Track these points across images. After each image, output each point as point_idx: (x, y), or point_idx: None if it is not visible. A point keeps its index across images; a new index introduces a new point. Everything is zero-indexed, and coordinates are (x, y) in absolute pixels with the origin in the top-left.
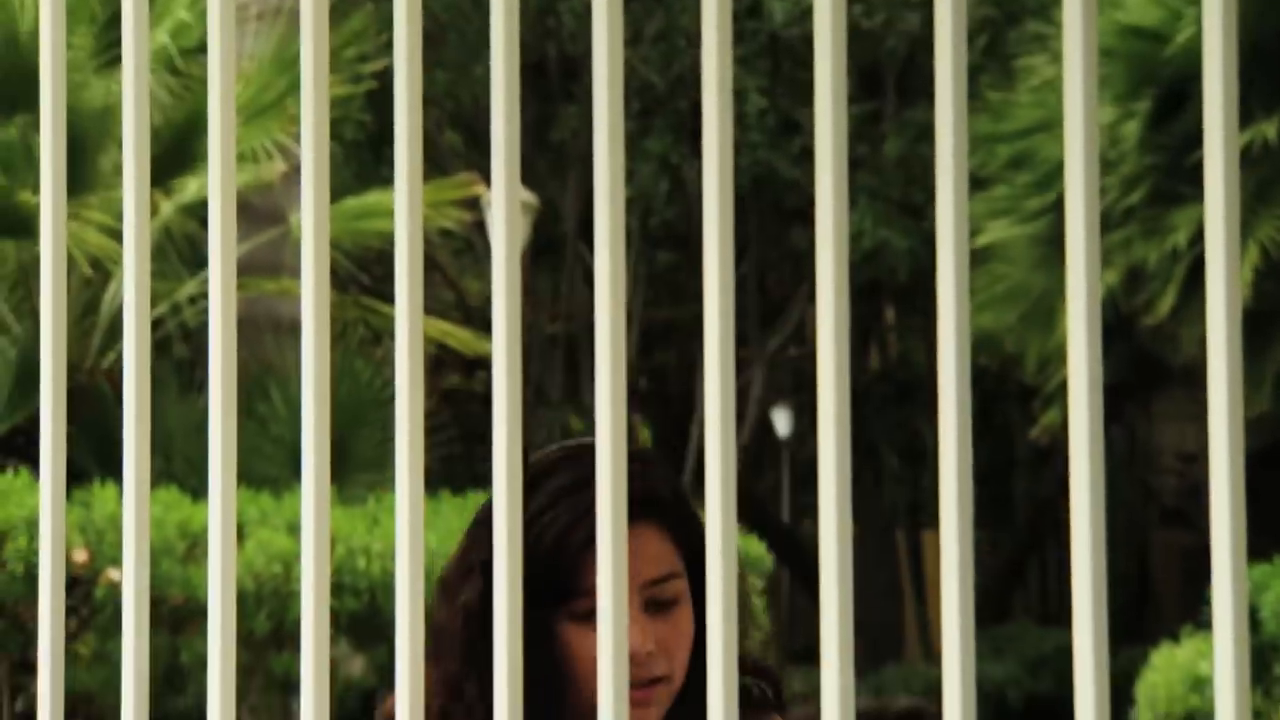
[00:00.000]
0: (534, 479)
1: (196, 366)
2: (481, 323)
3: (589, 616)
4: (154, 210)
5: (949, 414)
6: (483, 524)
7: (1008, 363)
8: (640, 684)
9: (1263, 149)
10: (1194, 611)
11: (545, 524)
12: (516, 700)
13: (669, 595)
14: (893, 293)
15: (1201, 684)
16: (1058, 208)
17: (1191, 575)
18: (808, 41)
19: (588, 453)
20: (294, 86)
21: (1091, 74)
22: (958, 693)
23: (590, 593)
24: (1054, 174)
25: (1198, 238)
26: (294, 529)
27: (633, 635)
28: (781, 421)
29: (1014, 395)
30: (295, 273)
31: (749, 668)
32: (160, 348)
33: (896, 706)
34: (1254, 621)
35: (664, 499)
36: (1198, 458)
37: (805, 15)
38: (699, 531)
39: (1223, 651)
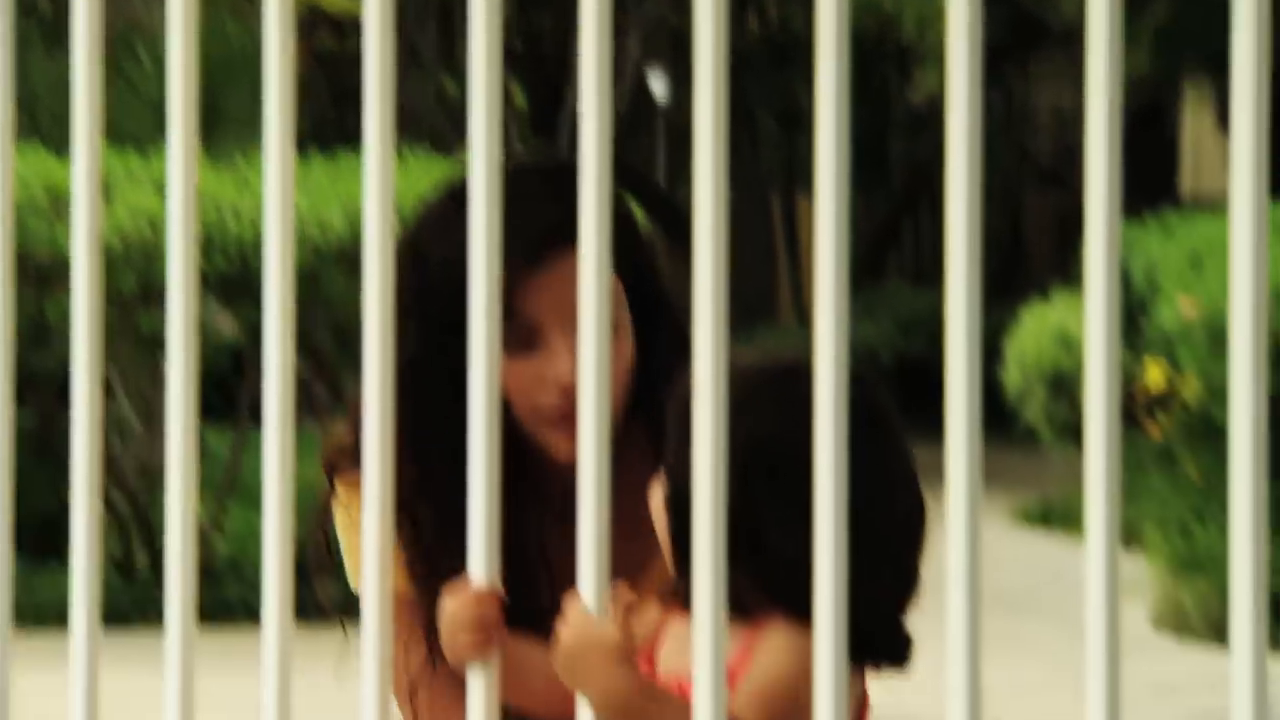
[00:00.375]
0: (459, 203)
1: (61, 22)
2: None
3: (517, 345)
4: None
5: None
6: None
7: (886, 23)
8: (574, 414)
9: None
10: (1065, 271)
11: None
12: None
13: (612, 320)
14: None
15: (1070, 342)
16: None
17: (1065, 237)
18: None
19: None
20: None
21: None
22: (831, 351)
23: (513, 317)
24: None
25: None
26: (162, 189)
27: (566, 365)
28: (658, 85)
29: (892, 56)
30: None
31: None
32: (24, 4)
33: (784, 359)
34: (1124, 279)
35: None
36: (1074, 118)
37: None
38: (637, 244)
39: (1094, 306)
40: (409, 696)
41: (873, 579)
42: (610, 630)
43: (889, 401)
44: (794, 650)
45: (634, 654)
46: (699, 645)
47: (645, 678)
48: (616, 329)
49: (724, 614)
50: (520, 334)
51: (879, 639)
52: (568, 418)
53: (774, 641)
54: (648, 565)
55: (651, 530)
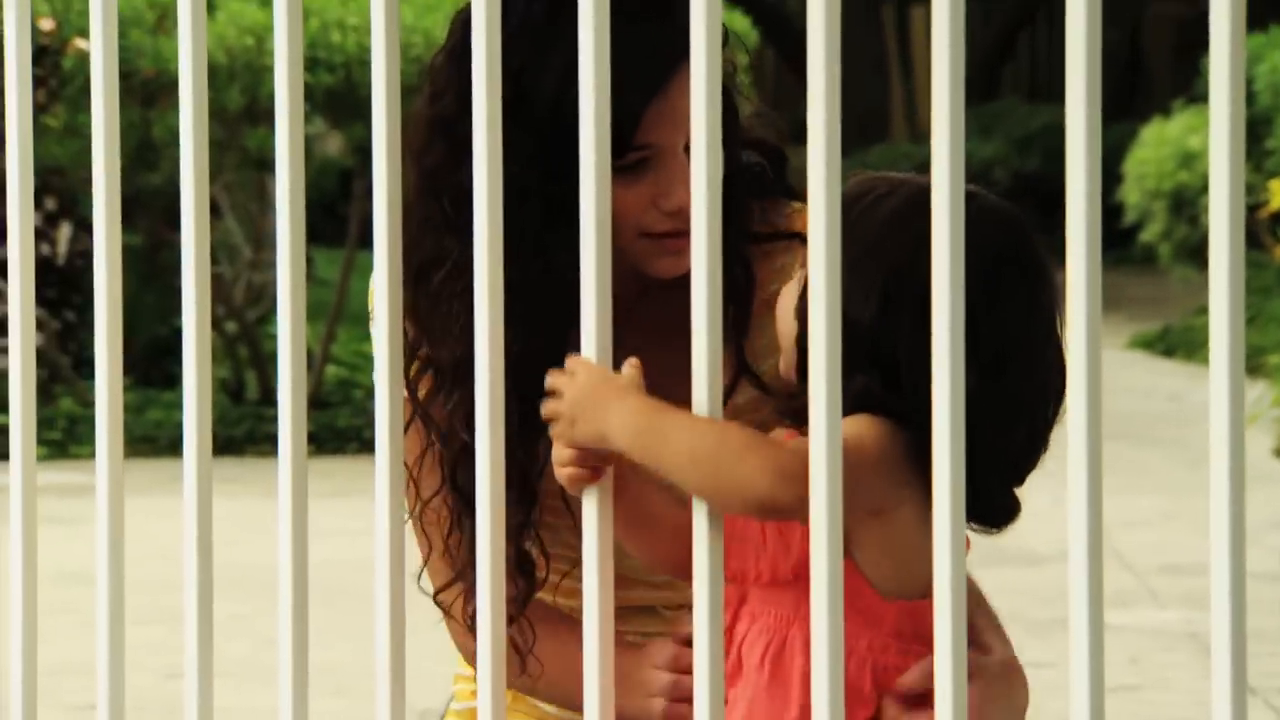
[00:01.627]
0: (553, 11)
1: None
2: None
3: (633, 169)
4: None
5: None
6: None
7: None
8: (684, 234)
9: None
10: (1187, 86)
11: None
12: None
13: None
14: None
15: (1191, 158)
16: None
17: (1185, 48)
18: None
19: None
20: None
21: None
22: (946, 169)
23: (640, 148)
24: None
25: None
26: (266, 0)
27: (680, 188)
28: None
29: None
30: None
31: (748, 140)
32: None
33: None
34: (1248, 93)
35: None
36: None
37: None
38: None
39: (1218, 123)
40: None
41: (1001, 435)
42: (618, 375)
43: (1042, 250)
44: (876, 433)
45: (642, 389)
46: (815, 456)
47: (658, 401)
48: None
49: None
50: (631, 157)
51: (989, 498)
52: (675, 236)
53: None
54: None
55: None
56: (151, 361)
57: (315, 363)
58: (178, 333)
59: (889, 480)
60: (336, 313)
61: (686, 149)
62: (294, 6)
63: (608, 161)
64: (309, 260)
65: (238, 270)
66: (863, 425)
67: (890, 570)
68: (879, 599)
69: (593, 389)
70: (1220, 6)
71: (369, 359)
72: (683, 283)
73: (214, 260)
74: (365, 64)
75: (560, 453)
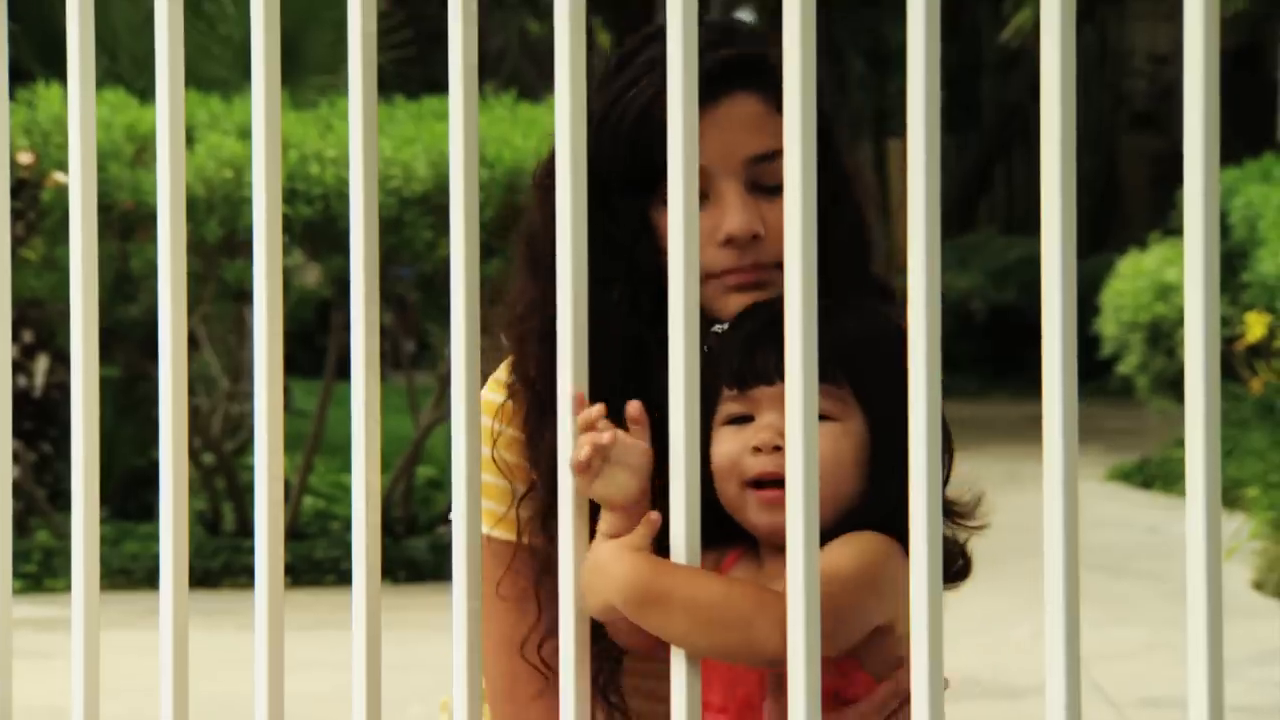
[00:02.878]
0: (626, 56)
1: None
2: None
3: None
4: None
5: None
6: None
7: None
8: (744, 269)
9: None
10: (1162, 218)
11: (628, 101)
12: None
13: (780, 177)
14: None
15: (1168, 290)
16: None
17: (1161, 181)
18: None
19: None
20: None
21: None
22: (923, 318)
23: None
24: None
25: None
26: (245, 133)
27: (730, 216)
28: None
29: None
30: None
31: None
32: None
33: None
34: (1223, 227)
35: (766, 64)
36: (1170, 59)
37: None
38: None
39: (1193, 260)
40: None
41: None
42: (623, 541)
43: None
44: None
45: (646, 548)
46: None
47: (658, 559)
48: None
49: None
50: None
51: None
52: (735, 272)
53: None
54: None
55: None
56: (128, 493)
57: (292, 494)
58: (154, 464)
59: (894, 594)
60: (314, 444)
61: (754, 185)
62: (272, 139)
63: (584, 199)
64: (286, 391)
65: (215, 402)
66: (867, 544)
67: (897, 664)
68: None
69: (594, 559)
70: (1195, 140)
71: (346, 490)
72: None
73: (191, 392)
74: (344, 196)
75: None
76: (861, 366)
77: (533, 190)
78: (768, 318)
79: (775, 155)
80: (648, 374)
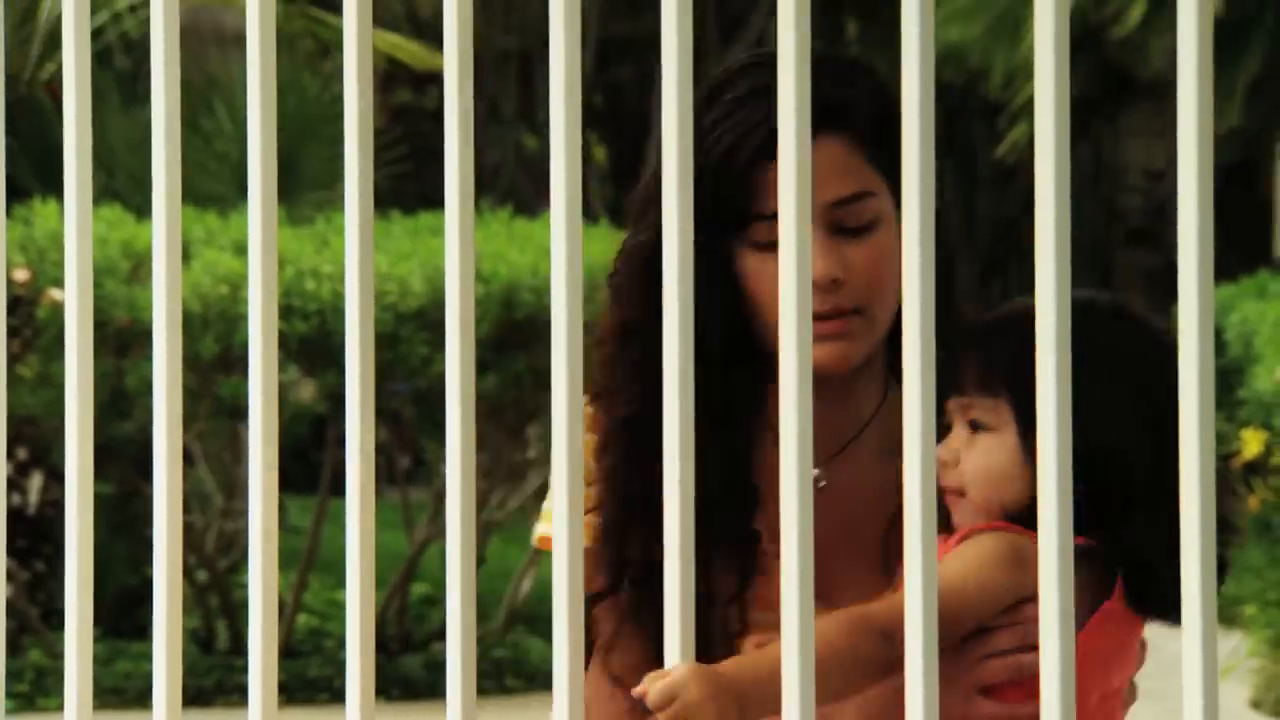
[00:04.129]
0: (713, 90)
1: (139, 79)
2: (433, 36)
3: (770, 246)
4: None
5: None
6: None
7: (973, 77)
8: (828, 315)
9: None
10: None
11: (715, 139)
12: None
13: (864, 218)
14: (855, 2)
15: None
16: None
17: (1155, 296)
18: None
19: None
20: None
21: None
22: (918, 418)
23: (770, 218)
24: None
25: None
26: (241, 249)
27: (815, 262)
28: None
29: (979, 111)
30: None
31: None
32: (101, 58)
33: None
34: (1218, 344)
35: (857, 106)
36: (1165, 175)
37: None
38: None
39: (1187, 373)
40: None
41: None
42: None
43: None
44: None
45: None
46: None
47: (733, 674)
48: (876, 226)
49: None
50: (772, 237)
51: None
52: (815, 319)
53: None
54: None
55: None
56: (121, 612)
57: (286, 612)
58: (148, 582)
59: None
60: (309, 561)
61: (837, 228)
62: (269, 255)
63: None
64: (281, 508)
65: (209, 518)
66: (983, 548)
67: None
68: None
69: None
70: (1189, 256)
71: (341, 607)
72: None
73: (186, 509)
74: (339, 311)
75: None
76: (1017, 379)
77: (628, 252)
78: (986, 328)
79: (858, 197)
80: (709, 425)
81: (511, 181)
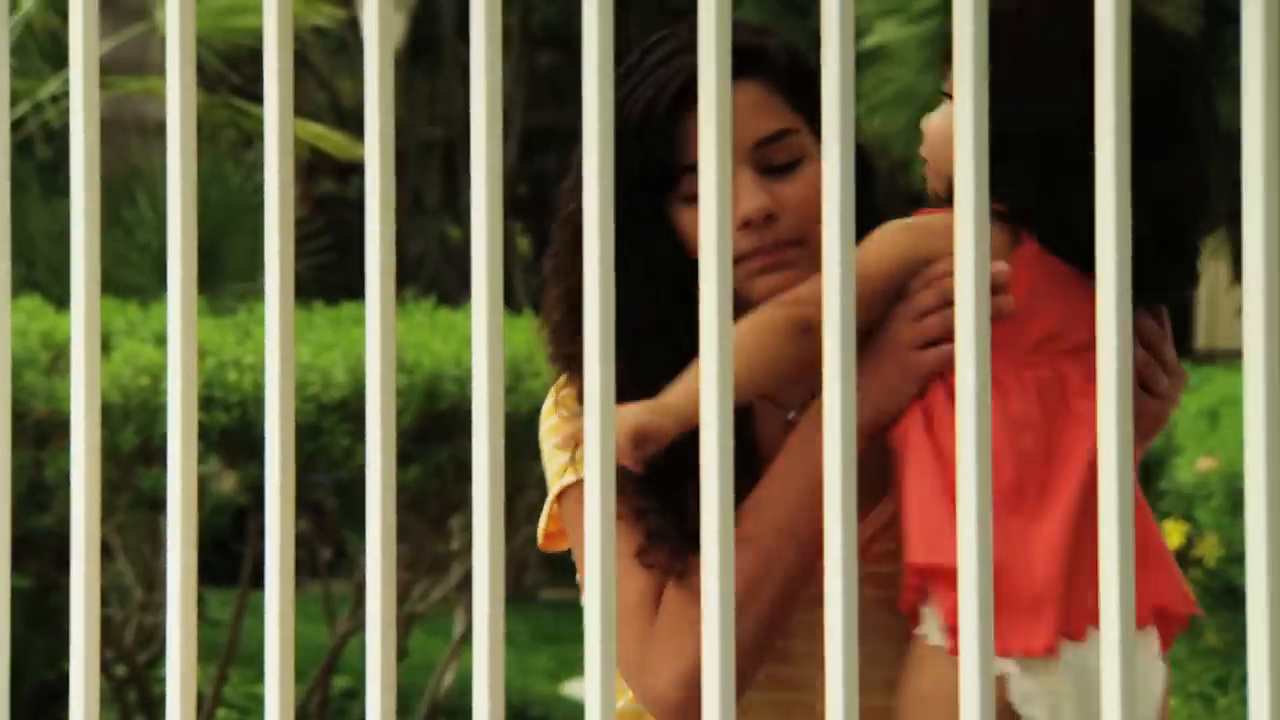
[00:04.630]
0: (633, 63)
1: (60, 169)
2: (356, 126)
3: (688, 199)
4: (13, 3)
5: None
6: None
7: (897, 168)
8: (765, 250)
9: None
10: None
11: (635, 99)
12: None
13: (789, 155)
14: None
15: None
16: (945, 8)
17: None
18: None
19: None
20: None
21: None
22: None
23: (693, 169)
24: None
25: None
26: (162, 340)
27: (743, 199)
28: None
29: (905, 200)
30: (161, 71)
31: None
32: (22, 148)
33: None
34: None
35: (772, 54)
36: None
37: None
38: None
39: (1107, 468)
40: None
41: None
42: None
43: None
44: None
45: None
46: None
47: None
48: (802, 161)
49: None
50: (688, 184)
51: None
52: (757, 254)
53: None
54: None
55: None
56: (39, 707)
57: (206, 706)
58: (66, 677)
59: None
60: (228, 654)
61: (765, 167)
62: (189, 346)
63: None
64: (201, 600)
65: (128, 612)
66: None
67: None
68: None
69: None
70: (1109, 347)
71: (260, 701)
72: None
73: (104, 602)
74: (261, 402)
75: None
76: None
77: (561, 223)
78: None
79: (783, 134)
80: (680, 370)
81: (435, 272)
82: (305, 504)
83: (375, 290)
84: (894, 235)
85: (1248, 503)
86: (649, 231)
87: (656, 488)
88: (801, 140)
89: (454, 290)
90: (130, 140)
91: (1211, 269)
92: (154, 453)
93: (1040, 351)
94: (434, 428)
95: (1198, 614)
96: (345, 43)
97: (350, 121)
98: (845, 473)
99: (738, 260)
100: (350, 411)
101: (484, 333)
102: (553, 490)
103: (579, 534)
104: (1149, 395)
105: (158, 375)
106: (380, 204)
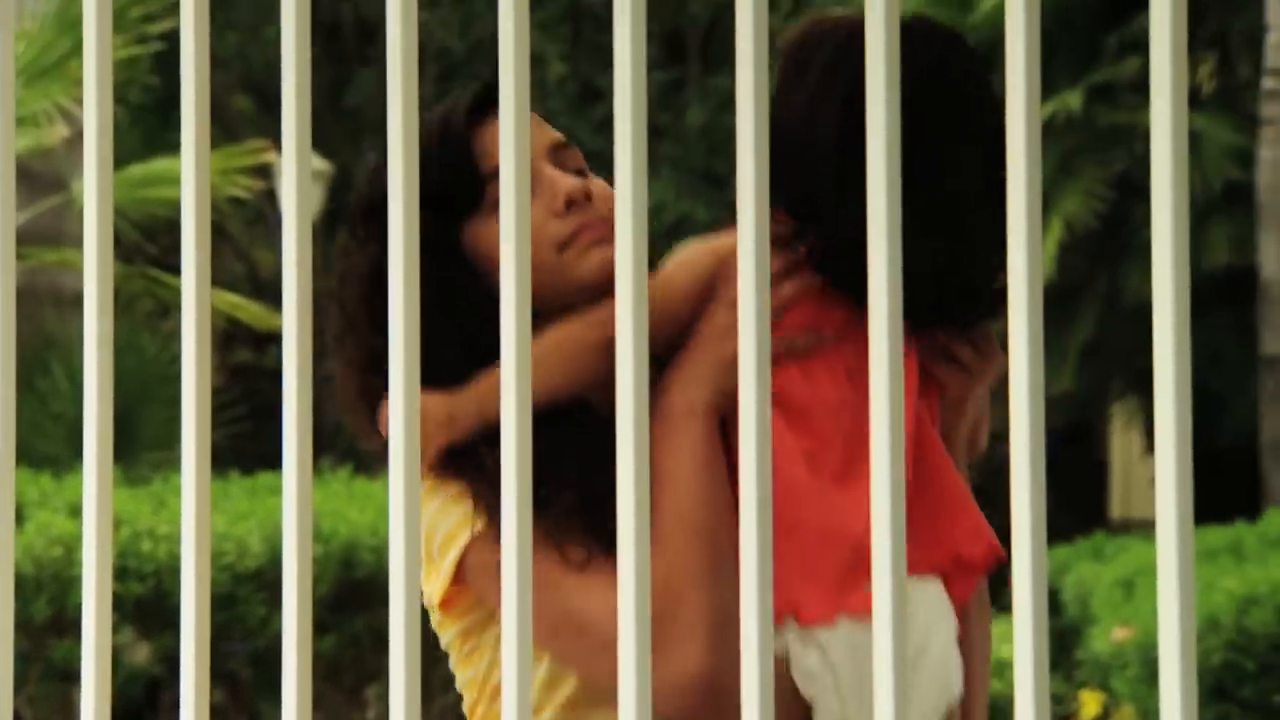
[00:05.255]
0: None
1: None
2: (273, 296)
3: (494, 207)
4: None
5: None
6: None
7: None
8: (592, 224)
9: (1066, 121)
10: (994, 595)
11: (434, 118)
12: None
13: (577, 164)
14: None
15: (1002, 667)
16: None
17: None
18: (608, 7)
19: None
20: (77, 47)
21: None
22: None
23: (492, 176)
24: None
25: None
26: (76, 511)
27: (560, 182)
28: None
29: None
30: (78, 243)
31: None
32: None
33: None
34: (1055, 604)
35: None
36: (1000, 438)
37: None
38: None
39: (1023, 635)
40: None
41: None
42: None
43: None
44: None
45: None
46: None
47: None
48: (588, 172)
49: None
50: (494, 191)
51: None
52: (586, 229)
53: None
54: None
55: None
56: None
57: None
58: None
59: None
60: None
61: (549, 158)
62: (104, 516)
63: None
64: None
65: None
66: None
67: None
68: None
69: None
70: (1023, 517)
71: None
72: None
73: None
74: (175, 572)
75: None
76: None
77: (349, 246)
78: None
79: (569, 144)
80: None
81: (351, 441)
82: (220, 674)
83: (292, 459)
84: (695, 253)
85: (1162, 673)
86: (448, 260)
87: (574, 487)
88: (581, 156)
89: (370, 459)
90: (45, 310)
91: (1125, 439)
92: (67, 624)
93: (845, 339)
94: (350, 597)
95: (1004, 559)
96: (263, 213)
97: (267, 291)
98: (638, 469)
99: (568, 241)
100: (266, 580)
101: (401, 502)
102: (456, 547)
103: (494, 579)
104: (953, 364)
105: (71, 545)
106: (298, 373)
